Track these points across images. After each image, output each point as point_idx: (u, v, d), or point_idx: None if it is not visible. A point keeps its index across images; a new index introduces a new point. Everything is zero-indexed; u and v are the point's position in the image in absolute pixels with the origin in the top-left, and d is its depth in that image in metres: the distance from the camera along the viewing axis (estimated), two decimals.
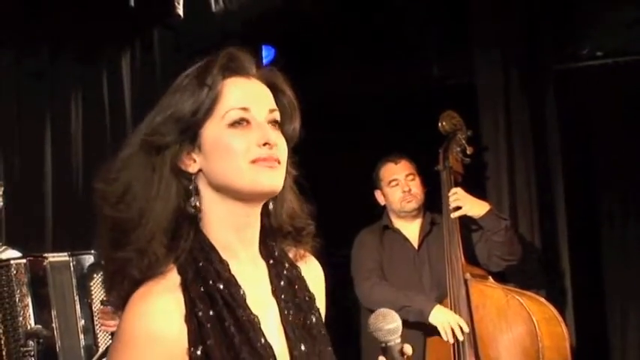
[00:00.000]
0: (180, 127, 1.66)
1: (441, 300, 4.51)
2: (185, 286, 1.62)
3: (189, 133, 1.67)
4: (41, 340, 3.87)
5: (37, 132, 5.24)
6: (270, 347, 1.66)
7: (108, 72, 5.56)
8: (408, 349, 1.80)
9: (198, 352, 1.59)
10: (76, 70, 5.43)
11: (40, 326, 3.91)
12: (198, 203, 1.68)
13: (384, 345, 1.79)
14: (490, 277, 4.58)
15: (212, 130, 1.67)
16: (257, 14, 5.63)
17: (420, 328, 4.41)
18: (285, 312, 1.74)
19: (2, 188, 4.18)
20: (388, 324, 1.80)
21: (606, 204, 5.64)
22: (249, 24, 5.61)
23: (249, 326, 1.65)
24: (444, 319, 4.35)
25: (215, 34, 5.61)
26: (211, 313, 1.63)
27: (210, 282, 1.65)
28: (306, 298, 1.80)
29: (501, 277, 4.71)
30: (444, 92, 5.69)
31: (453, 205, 4.60)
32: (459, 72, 5.80)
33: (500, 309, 4.39)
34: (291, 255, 1.84)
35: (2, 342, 3.89)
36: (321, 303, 1.85)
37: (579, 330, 5.12)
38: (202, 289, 1.63)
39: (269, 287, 1.76)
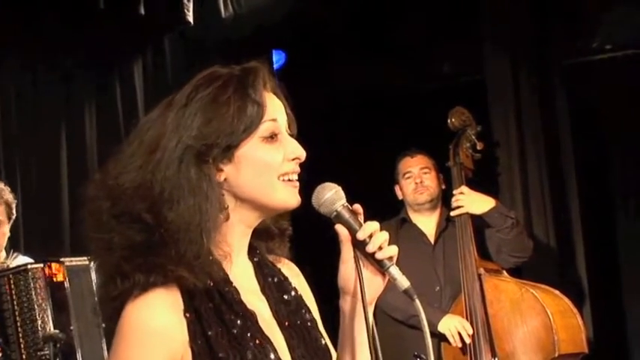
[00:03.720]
0: (228, 141, 1.70)
1: (455, 296, 4.64)
2: (181, 283, 1.66)
3: (234, 146, 1.72)
4: (58, 345, 3.90)
5: (53, 140, 5.39)
6: (269, 340, 1.71)
7: (120, 80, 5.70)
8: (358, 206, 1.81)
9: (200, 343, 1.65)
10: (89, 78, 5.58)
11: (57, 330, 3.97)
12: (226, 212, 1.74)
13: (334, 214, 1.78)
14: (504, 272, 4.68)
15: (248, 143, 1.73)
16: (266, 19, 5.70)
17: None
18: (276, 308, 1.81)
19: (16, 201, 4.26)
20: (326, 194, 1.79)
21: (620, 197, 5.71)
22: (259, 29, 5.68)
23: (248, 320, 1.71)
24: (450, 325, 4.51)
25: (226, 40, 5.69)
26: (210, 305, 1.68)
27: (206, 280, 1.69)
28: (293, 294, 1.89)
29: (517, 272, 4.82)
30: (455, 90, 5.79)
31: (453, 204, 4.75)
32: (469, 69, 5.92)
33: (514, 303, 4.50)
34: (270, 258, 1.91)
35: (22, 346, 3.96)
36: (310, 300, 1.92)
37: (596, 322, 5.22)
38: (198, 286, 1.67)
39: (257, 285, 1.82)
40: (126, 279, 1.65)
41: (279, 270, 1.90)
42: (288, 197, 1.76)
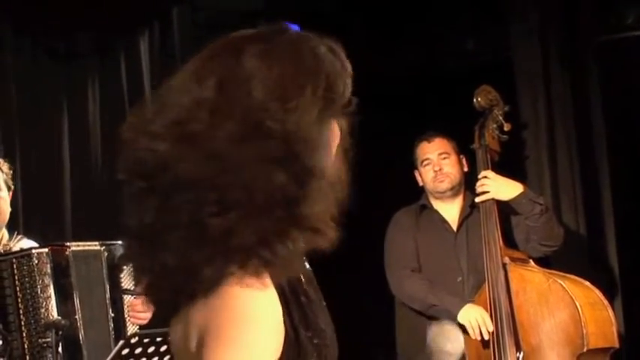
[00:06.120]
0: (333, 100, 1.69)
1: (479, 285, 4.69)
2: (274, 278, 1.61)
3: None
4: (61, 332, 3.91)
5: (54, 121, 5.45)
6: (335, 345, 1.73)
7: (125, 54, 5.72)
8: None
9: (291, 348, 1.61)
10: (92, 55, 5.62)
11: (59, 317, 4.00)
12: None
13: None
14: (531, 261, 4.71)
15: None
16: None
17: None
18: (317, 299, 1.80)
19: (11, 172, 4.29)
20: None
21: None
22: (271, 1, 5.72)
23: (320, 313, 1.72)
24: (471, 317, 4.54)
25: (237, 12, 5.72)
26: (296, 306, 1.66)
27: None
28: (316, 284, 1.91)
29: (545, 262, 4.85)
30: (479, 68, 5.83)
31: (478, 189, 4.77)
32: (495, 46, 5.94)
33: (541, 294, 4.53)
34: None
35: (24, 334, 4.01)
36: None
37: (628, 315, 5.25)
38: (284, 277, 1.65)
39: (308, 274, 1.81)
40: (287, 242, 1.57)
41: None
42: None
